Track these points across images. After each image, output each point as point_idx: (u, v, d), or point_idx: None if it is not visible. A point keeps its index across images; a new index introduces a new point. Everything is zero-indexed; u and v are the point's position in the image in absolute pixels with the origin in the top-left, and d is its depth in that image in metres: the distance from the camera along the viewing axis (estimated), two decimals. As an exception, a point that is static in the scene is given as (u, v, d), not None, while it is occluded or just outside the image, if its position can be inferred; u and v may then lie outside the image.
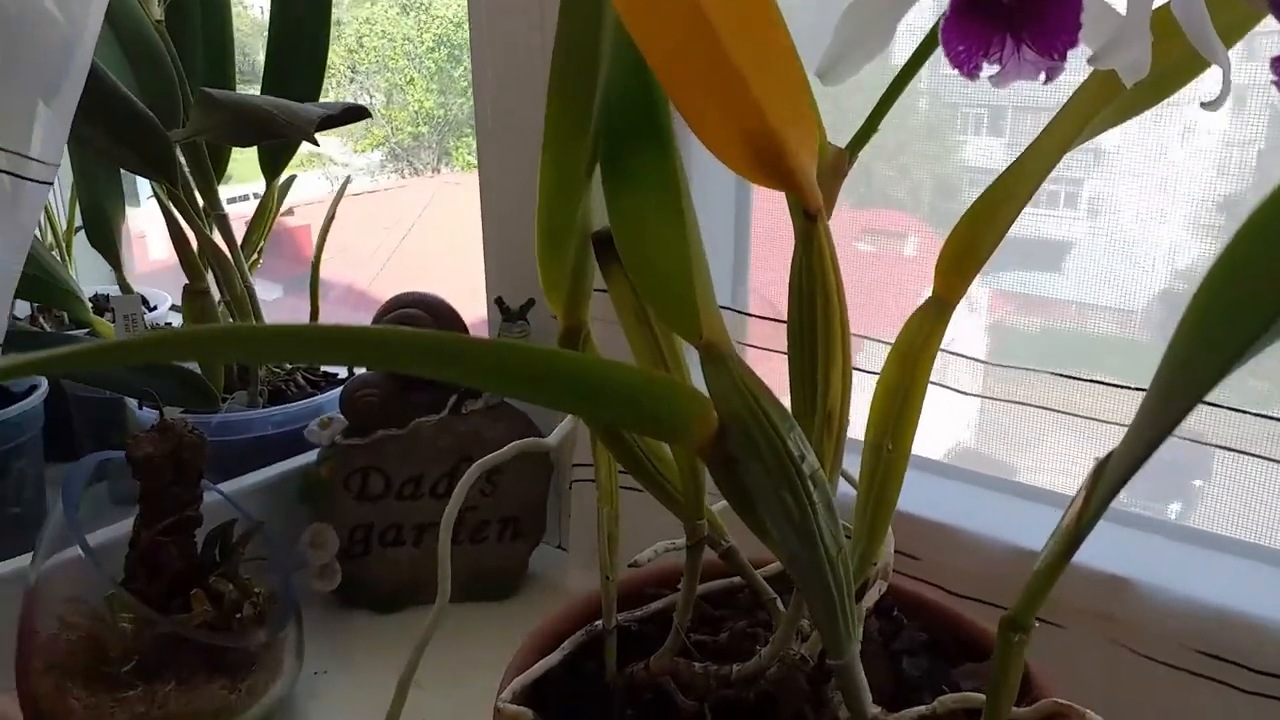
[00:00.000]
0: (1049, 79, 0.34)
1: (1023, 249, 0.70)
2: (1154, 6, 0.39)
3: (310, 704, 0.61)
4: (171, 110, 0.69)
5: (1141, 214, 0.63)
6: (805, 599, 0.36)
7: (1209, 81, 0.38)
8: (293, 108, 0.55)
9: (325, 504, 0.71)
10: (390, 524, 0.72)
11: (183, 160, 0.73)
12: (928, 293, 0.66)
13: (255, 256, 0.85)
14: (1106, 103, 0.41)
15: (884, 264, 0.80)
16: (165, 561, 0.56)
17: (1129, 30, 0.35)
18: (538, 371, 0.25)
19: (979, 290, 0.73)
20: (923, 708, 0.38)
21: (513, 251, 0.77)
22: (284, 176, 0.84)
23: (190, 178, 0.73)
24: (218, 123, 0.59)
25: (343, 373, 0.86)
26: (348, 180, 0.79)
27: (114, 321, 0.82)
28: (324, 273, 0.85)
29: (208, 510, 0.59)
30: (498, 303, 0.74)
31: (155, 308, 0.96)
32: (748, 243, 0.72)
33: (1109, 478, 0.26)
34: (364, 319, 0.84)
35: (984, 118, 0.70)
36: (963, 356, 0.63)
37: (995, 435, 0.68)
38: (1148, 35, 0.35)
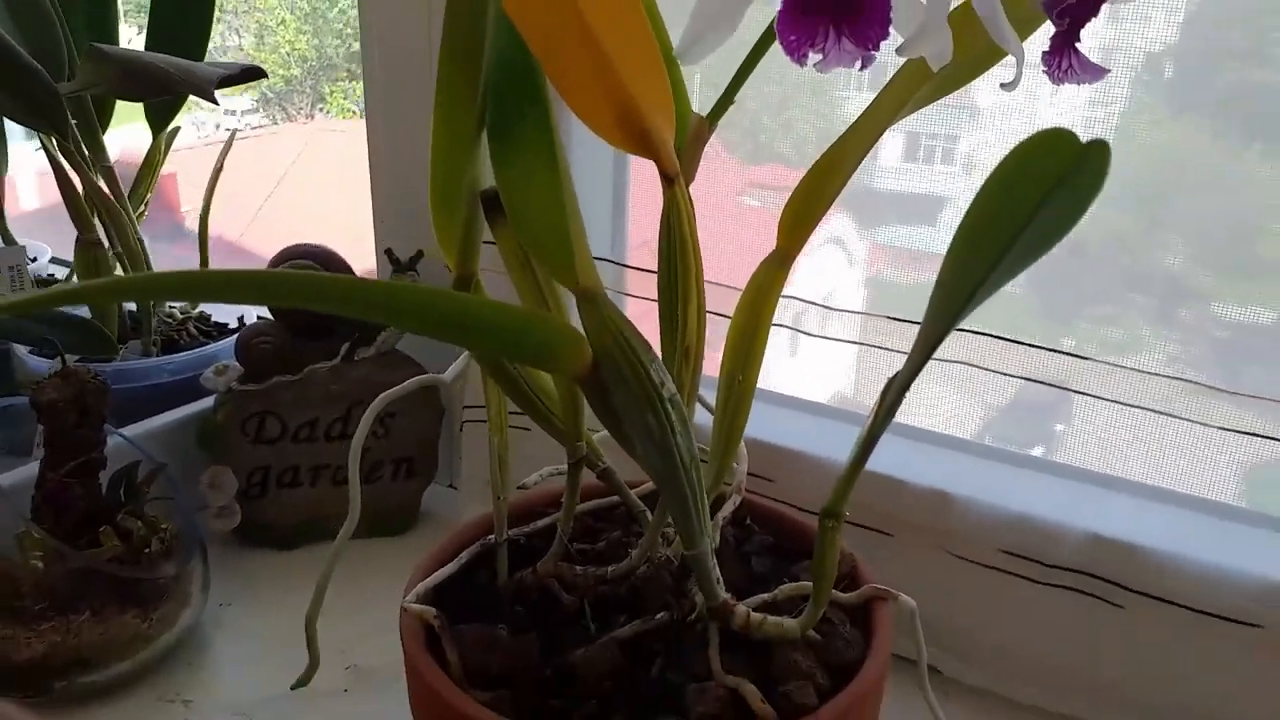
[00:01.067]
0: (864, 66, 0.40)
1: (900, 204, 0.74)
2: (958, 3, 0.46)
3: (216, 633, 0.65)
4: (57, 62, 0.70)
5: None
6: (664, 502, 0.42)
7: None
8: (189, 67, 0.58)
9: (222, 448, 0.74)
10: (287, 466, 0.75)
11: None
12: (816, 246, 0.73)
13: (142, 208, 0.86)
14: (922, 84, 0.48)
15: (769, 219, 0.85)
16: (71, 502, 0.59)
17: (929, 25, 0.42)
18: (433, 309, 0.30)
19: (858, 244, 0.79)
20: (765, 595, 0.45)
21: (402, 202, 0.81)
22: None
23: (75, 129, 0.73)
24: (107, 77, 0.61)
25: (233, 323, 0.88)
26: (234, 134, 0.81)
27: (-3, 273, 0.82)
28: (189, 224, 0.86)
29: (110, 454, 0.62)
30: (388, 254, 0.78)
31: (35, 259, 0.95)
32: (625, 200, 0.78)
33: (893, 392, 0.33)
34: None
35: (866, 75, 0.75)
36: (843, 311, 0.70)
37: (873, 382, 0.73)
38: (947, 29, 0.42)
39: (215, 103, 0.56)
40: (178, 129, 0.87)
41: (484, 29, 0.40)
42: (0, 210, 0.85)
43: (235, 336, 0.77)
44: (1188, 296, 0.64)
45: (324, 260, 0.75)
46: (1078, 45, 0.42)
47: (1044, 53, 0.42)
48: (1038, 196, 0.26)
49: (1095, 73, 0.42)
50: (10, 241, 0.85)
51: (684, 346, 0.41)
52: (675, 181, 0.41)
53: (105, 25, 0.79)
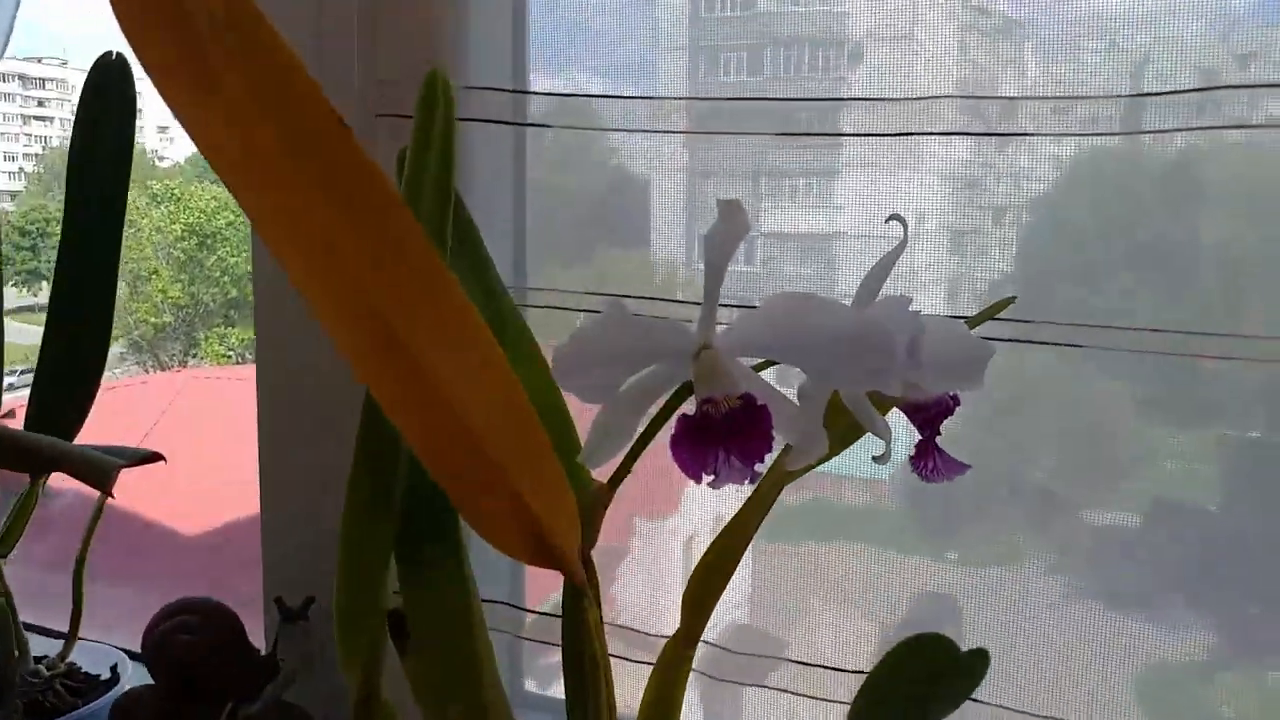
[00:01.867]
0: (752, 481, 0.43)
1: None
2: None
3: None
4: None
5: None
6: None
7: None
8: (90, 457, 0.57)
9: (87, 834, 0.67)
10: (159, 847, 0.69)
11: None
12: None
13: (10, 551, 0.82)
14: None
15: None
16: None
17: (806, 442, 0.46)
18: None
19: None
20: None
21: (292, 549, 0.79)
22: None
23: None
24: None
25: (105, 673, 0.83)
26: (104, 498, 0.77)
27: None
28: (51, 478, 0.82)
29: None
30: (277, 602, 0.76)
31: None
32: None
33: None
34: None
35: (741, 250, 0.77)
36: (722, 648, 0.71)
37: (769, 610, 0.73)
38: (823, 432, 0.46)
39: (111, 495, 0.56)
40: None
41: (397, 457, 0.42)
42: None
43: (109, 697, 0.72)
44: (1057, 506, 0.66)
45: (208, 614, 0.73)
46: (939, 447, 0.47)
47: (910, 457, 0.47)
48: (927, 683, 0.28)
49: (958, 469, 0.47)
50: None
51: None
52: (585, 595, 0.43)
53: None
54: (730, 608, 0.77)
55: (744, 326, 0.45)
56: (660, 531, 0.78)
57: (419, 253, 0.34)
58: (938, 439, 0.47)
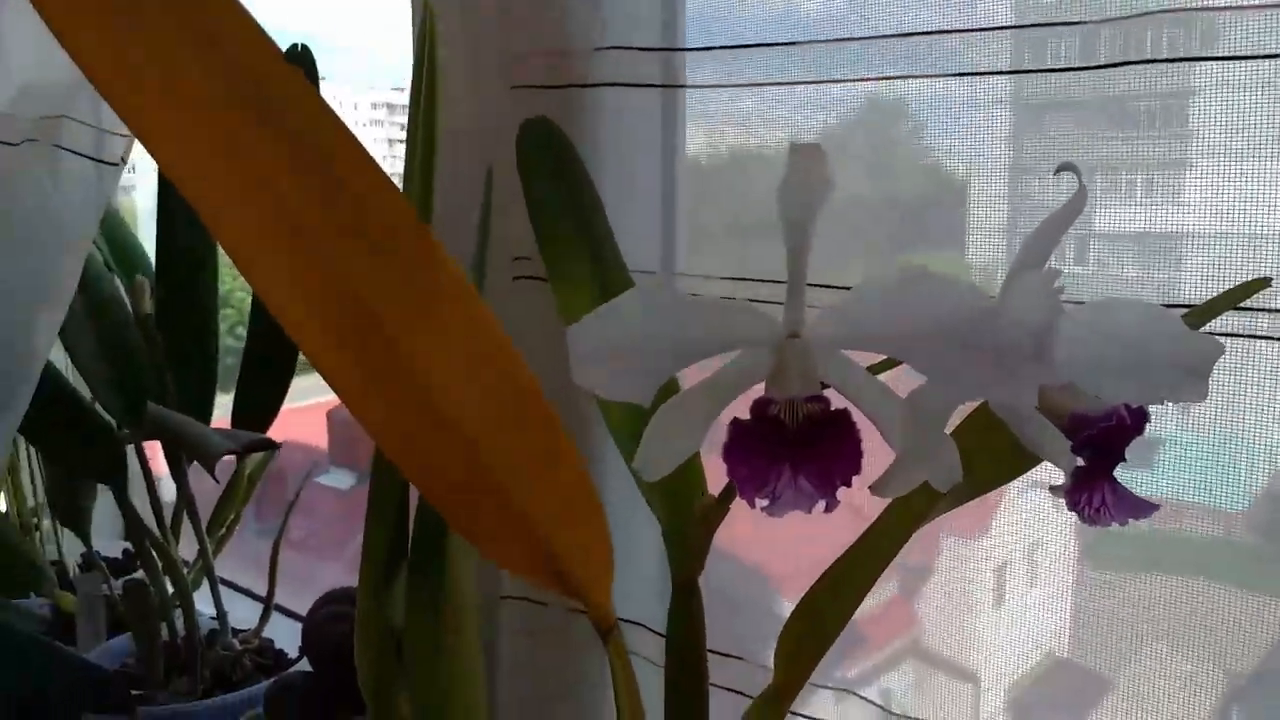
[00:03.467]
0: (828, 510, 0.33)
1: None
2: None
3: None
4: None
5: (1234, 407, 0.57)
6: None
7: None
8: (205, 439, 0.58)
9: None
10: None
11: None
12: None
13: (223, 531, 0.86)
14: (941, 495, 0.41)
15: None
16: None
17: (925, 462, 0.35)
18: None
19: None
20: None
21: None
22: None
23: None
24: (153, 433, 0.63)
25: (294, 651, 0.85)
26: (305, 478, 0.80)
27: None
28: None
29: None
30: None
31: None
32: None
33: None
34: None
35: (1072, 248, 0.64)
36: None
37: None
38: (948, 445, 0.35)
39: (215, 478, 0.56)
40: (277, 449, 0.87)
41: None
42: (88, 536, 0.87)
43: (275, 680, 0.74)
44: None
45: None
46: (1113, 478, 0.34)
47: (1067, 490, 0.34)
48: None
49: (1138, 510, 0.34)
50: (91, 566, 0.87)
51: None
52: (610, 633, 0.35)
53: (206, 368, 0.82)
54: (1046, 638, 0.68)
55: (843, 311, 0.35)
56: (968, 553, 0.69)
57: (386, 211, 0.29)
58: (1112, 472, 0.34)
